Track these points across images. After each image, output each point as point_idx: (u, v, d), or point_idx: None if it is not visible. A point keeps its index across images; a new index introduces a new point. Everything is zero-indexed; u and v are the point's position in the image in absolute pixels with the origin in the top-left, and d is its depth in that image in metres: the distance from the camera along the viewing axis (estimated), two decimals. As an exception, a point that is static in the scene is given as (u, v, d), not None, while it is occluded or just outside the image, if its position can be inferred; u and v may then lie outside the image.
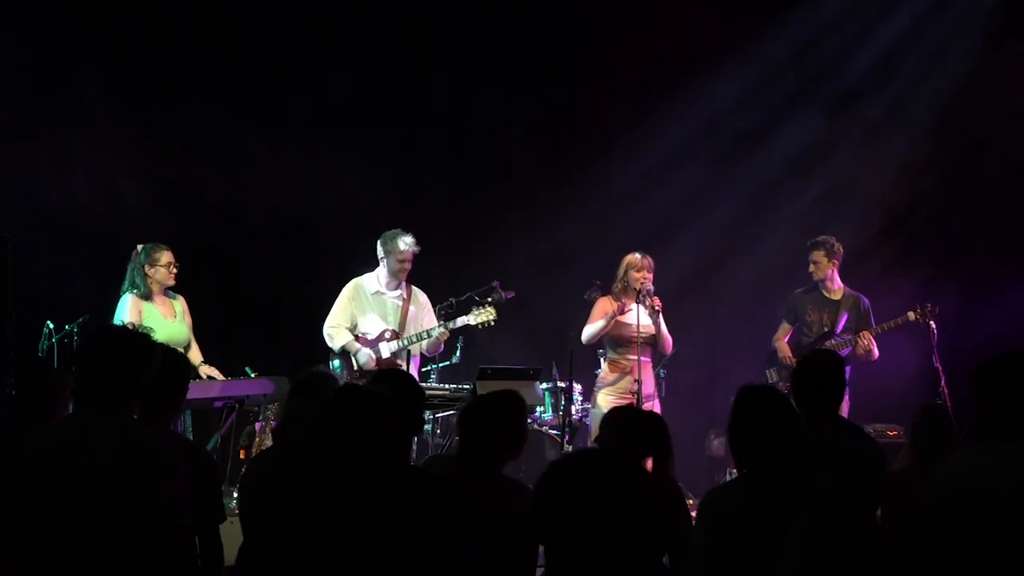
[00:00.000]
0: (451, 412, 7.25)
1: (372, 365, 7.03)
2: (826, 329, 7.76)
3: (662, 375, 7.67)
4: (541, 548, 2.97)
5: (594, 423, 7.16)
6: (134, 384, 3.27)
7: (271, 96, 8.91)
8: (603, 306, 7.41)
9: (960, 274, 8.66)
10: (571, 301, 7.85)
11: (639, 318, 7.23)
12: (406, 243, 7.17)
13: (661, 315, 7.34)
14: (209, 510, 3.67)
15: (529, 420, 5.19)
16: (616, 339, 7.38)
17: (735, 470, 3.53)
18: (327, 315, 7.28)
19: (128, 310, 6.63)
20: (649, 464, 4.26)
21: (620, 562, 2.41)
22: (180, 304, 6.91)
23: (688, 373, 8.62)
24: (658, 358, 7.55)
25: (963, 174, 8.95)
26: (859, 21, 9.10)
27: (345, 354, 7.19)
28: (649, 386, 7.34)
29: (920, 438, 4.68)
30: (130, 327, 3.88)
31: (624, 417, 4.45)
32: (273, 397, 6.51)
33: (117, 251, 7.18)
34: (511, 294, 7.35)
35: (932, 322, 7.52)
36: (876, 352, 7.64)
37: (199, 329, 7.00)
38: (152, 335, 3.46)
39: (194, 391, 5.00)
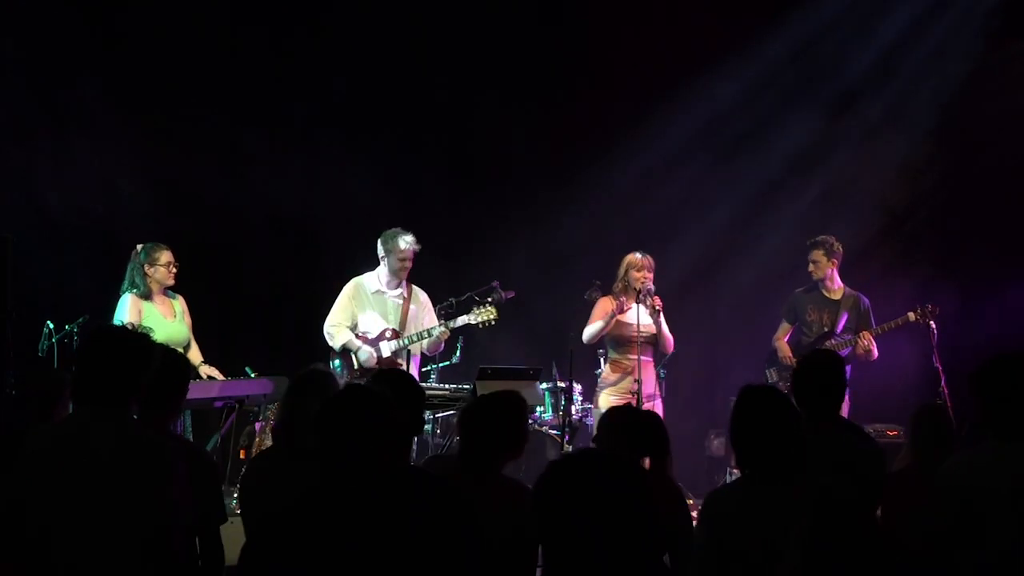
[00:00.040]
0: (451, 412, 7.25)
1: (373, 363, 7.04)
2: (826, 329, 7.76)
3: (662, 375, 7.67)
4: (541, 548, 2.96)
5: (596, 423, 7.17)
6: (134, 384, 3.26)
7: (271, 96, 8.91)
8: (604, 306, 7.41)
9: (960, 274, 8.67)
10: (571, 301, 7.86)
11: (639, 318, 7.23)
12: (407, 242, 7.17)
13: (662, 314, 7.35)
14: (209, 510, 3.66)
15: (529, 420, 5.19)
16: (617, 339, 7.38)
17: (735, 470, 3.53)
18: (327, 315, 7.28)
19: (128, 310, 6.63)
20: (647, 463, 4.27)
21: (619, 562, 2.41)
22: (180, 304, 6.91)
23: (688, 373, 8.62)
24: (659, 358, 7.55)
25: (963, 174, 8.95)
26: (859, 21, 9.10)
27: (346, 353, 7.19)
28: (651, 386, 7.34)
29: (919, 438, 4.68)
30: (130, 327, 3.88)
31: (622, 417, 4.46)
32: (273, 397, 6.51)
33: (117, 251, 7.17)
34: (511, 294, 7.35)
35: (932, 322, 7.52)
36: (876, 352, 7.64)
37: (199, 329, 7.01)
38: (152, 335, 3.46)
39: (194, 391, 5.00)
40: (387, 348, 7.14)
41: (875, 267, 8.68)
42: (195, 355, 6.83)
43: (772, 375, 7.88)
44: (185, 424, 6.31)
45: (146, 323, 6.33)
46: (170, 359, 3.82)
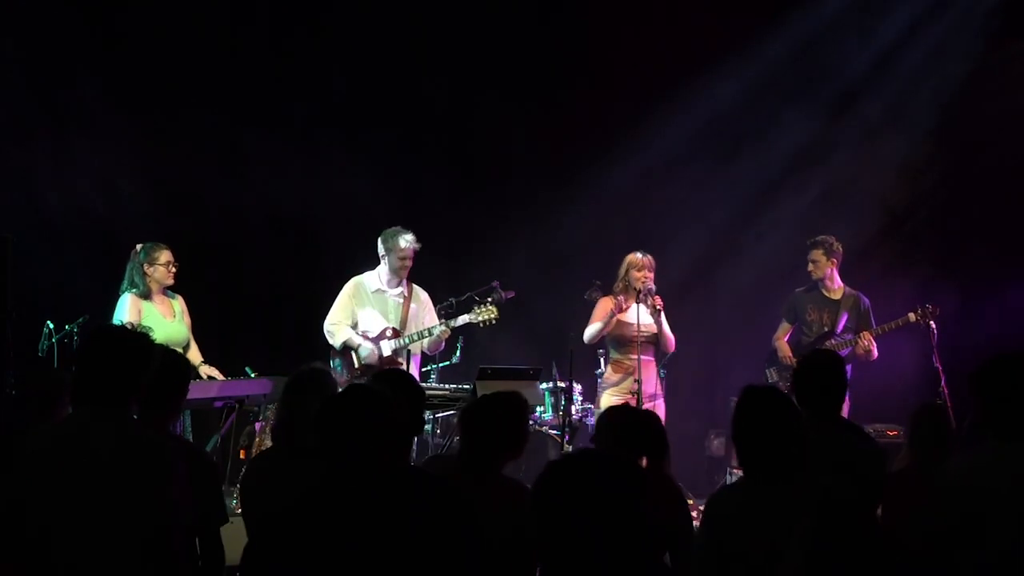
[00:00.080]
0: (451, 412, 7.25)
1: (374, 359, 7.05)
2: (826, 329, 7.77)
3: (662, 375, 7.67)
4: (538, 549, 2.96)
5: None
6: (134, 384, 3.26)
7: (271, 96, 8.91)
8: (604, 306, 7.42)
9: (960, 274, 8.67)
10: (571, 301, 7.86)
11: (639, 317, 7.24)
12: (407, 240, 7.17)
13: (663, 314, 7.35)
14: (209, 511, 3.66)
15: (530, 421, 5.18)
16: (618, 339, 7.39)
17: (735, 470, 3.54)
18: (327, 314, 7.29)
19: (127, 309, 6.63)
20: (645, 463, 4.26)
21: (618, 562, 2.41)
22: (179, 304, 6.91)
23: (688, 373, 8.62)
24: (661, 357, 7.55)
25: (963, 174, 8.95)
26: (859, 21, 9.10)
27: (346, 351, 7.19)
28: (654, 385, 7.35)
29: (918, 438, 4.68)
30: (129, 327, 3.88)
31: (620, 416, 4.45)
32: (273, 397, 6.51)
33: (117, 251, 7.17)
34: (511, 294, 7.35)
35: (932, 322, 7.53)
36: (876, 352, 7.64)
37: (199, 329, 7.01)
38: (151, 334, 3.45)
39: (194, 391, 5.00)
40: (387, 347, 7.14)
41: (875, 267, 8.68)
42: (195, 355, 6.83)
43: (772, 375, 7.88)
44: (185, 424, 6.31)
45: (145, 323, 6.33)
46: (170, 359, 3.82)
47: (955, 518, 3.54)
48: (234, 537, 3.76)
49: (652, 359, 7.43)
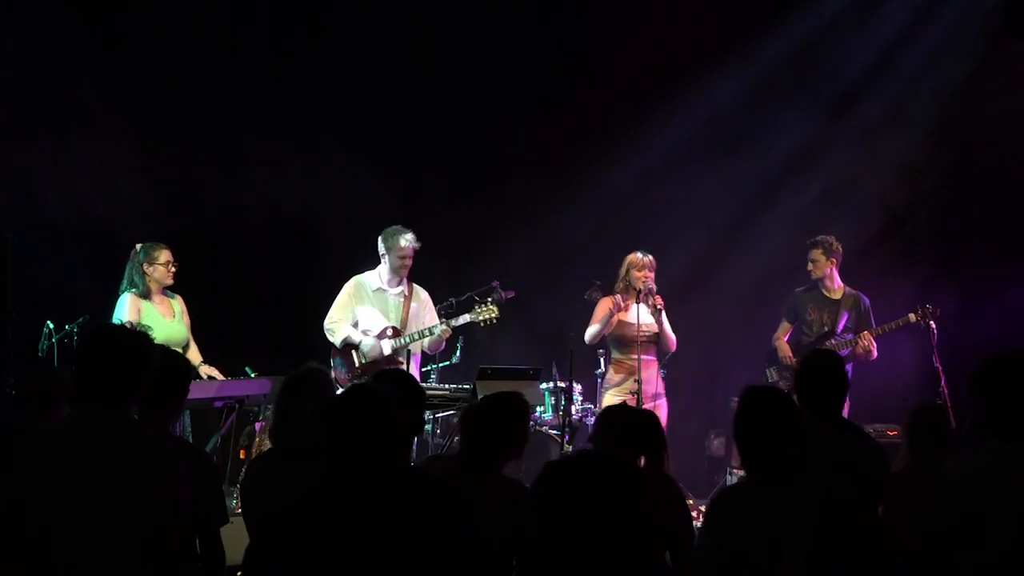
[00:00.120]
0: (451, 412, 7.25)
1: (377, 353, 7.05)
2: (826, 328, 7.77)
3: (663, 374, 7.68)
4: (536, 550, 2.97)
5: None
6: (134, 384, 3.26)
7: (271, 96, 8.91)
8: (604, 307, 7.43)
9: (960, 274, 8.67)
10: (571, 301, 7.86)
11: (639, 317, 7.24)
12: (407, 240, 7.18)
13: (664, 313, 7.36)
14: (209, 511, 3.66)
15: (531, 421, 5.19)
16: (620, 339, 7.40)
17: (735, 470, 3.55)
18: (327, 314, 7.30)
19: (127, 309, 6.63)
20: (643, 462, 4.27)
21: (618, 562, 2.41)
22: (178, 304, 6.91)
23: (688, 373, 8.62)
24: (662, 357, 7.55)
25: (963, 174, 8.95)
26: (859, 21, 9.09)
27: (347, 350, 7.19)
28: (656, 385, 7.35)
29: (916, 439, 4.68)
30: (129, 326, 3.87)
31: (618, 415, 4.46)
32: (273, 397, 6.50)
33: (117, 251, 7.17)
34: (511, 294, 7.35)
35: (932, 322, 7.53)
36: (875, 352, 7.64)
37: (199, 329, 7.01)
38: (151, 333, 3.45)
39: (194, 391, 4.98)
40: (388, 346, 7.14)
41: (875, 267, 8.68)
42: (194, 355, 6.83)
43: (772, 374, 7.88)
44: (185, 424, 6.31)
45: (145, 323, 6.31)
46: (170, 359, 3.82)
47: (955, 518, 3.54)
48: (234, 537, 3.76)
49: (654, 359, 7.43)
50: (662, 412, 7.32)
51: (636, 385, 7.17)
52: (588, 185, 9.17)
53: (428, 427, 7.40)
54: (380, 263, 7.30)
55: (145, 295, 6.72)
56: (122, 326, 3.74)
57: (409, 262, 7.22)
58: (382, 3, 9.06)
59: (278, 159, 8.83)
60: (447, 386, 7.36)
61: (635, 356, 7.23)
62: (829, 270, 7.81)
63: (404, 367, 7.00)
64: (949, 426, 4.84)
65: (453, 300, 7.43)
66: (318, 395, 3.92)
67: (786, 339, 7.91)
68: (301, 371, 4.13)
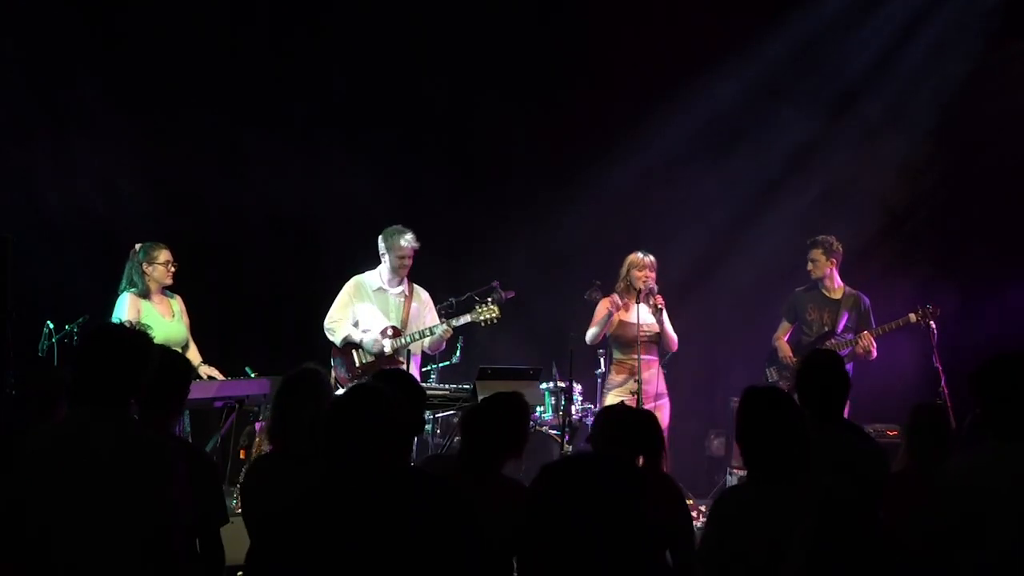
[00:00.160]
0: (451, 412, 7.25)
1: (378, 348, 7.06)
2: (826, 328, 7.77)
3: (664, 373, 7.67)
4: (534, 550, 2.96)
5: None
6: (133, 383, 3.26)
7: (271, 96, 8.91)
8: (604, 307, 7.44)
9: (960, 274, 8.67)
10: (571, 301, 7.86)
11: (639, 317, 7.24)
12: (407, 240, 7.19)
13: (665, 313, 7.36)
14: (209, 511, 3.66)
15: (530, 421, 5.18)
16: (621, 339, 7.40)
17: (735, 470, 3.56)
18: (327, 314, 7.30)
19: (127, 308, 6.63)
20: (641, 462, 4.27)
21: (618, 562, 2.41)
22: (178, 304, 6.91)
23: (688, 373, 8.61)
24: (663, 357, 7.56)
25: (963, 174, 8.95)
26: (859, 21, 9.09)
27: (347, 350, 7.19)
28: (658, 385, 7.35)
29: (916, 439, 4.68)
30: (128, 325, 3.87)
31: (616, 415, 4.46)
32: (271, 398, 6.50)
33: (117, 251, 7.17)
34: (511, 294, 7.35)
35: (932, 322, 7.53)
36: (875, 352, 7.65)
37: (199, 329, 7.01)
38: (150, 333, 3.45)
39: (194, 391, 4.98)
40: (388, 346, 7.14)
41: (875, 267, 8.68)
42: (194, 355, 6.83)
43: (772, 374, 7.88)
44: (185, 424, 6.31)
45: (144, 322, 6.32)
46: (170, 359, 3.82)
47: (955, 518, 3.54)
48: (234, 537, 3.76)
49: (655, 359, 7.43)
50: (664, 411, 7.33)
51: (637, 385, 7.17)
52: (588, 185, 9.17)
53: (428, 427, 7.40)
54: (380, 263, 7.31)
55: (144, 295, 6.72)
56: (122, 326, 3.73)
57: (409, 262, 7.22)
58: (382, 3, 9.06)
59: (278, 159, 8.83)
60: (447, 386, 7.36)
61: (636, 356, 7.23)
62: (829, 270, 7.81)
63: (404, 367, 7.00)
64: (949, 426, 4.83)
65: (453, 300, 7.43)
66: (315, 395, 3.92)
67: (786, 339, 7.91)
68: (298, 371, 4.13)
